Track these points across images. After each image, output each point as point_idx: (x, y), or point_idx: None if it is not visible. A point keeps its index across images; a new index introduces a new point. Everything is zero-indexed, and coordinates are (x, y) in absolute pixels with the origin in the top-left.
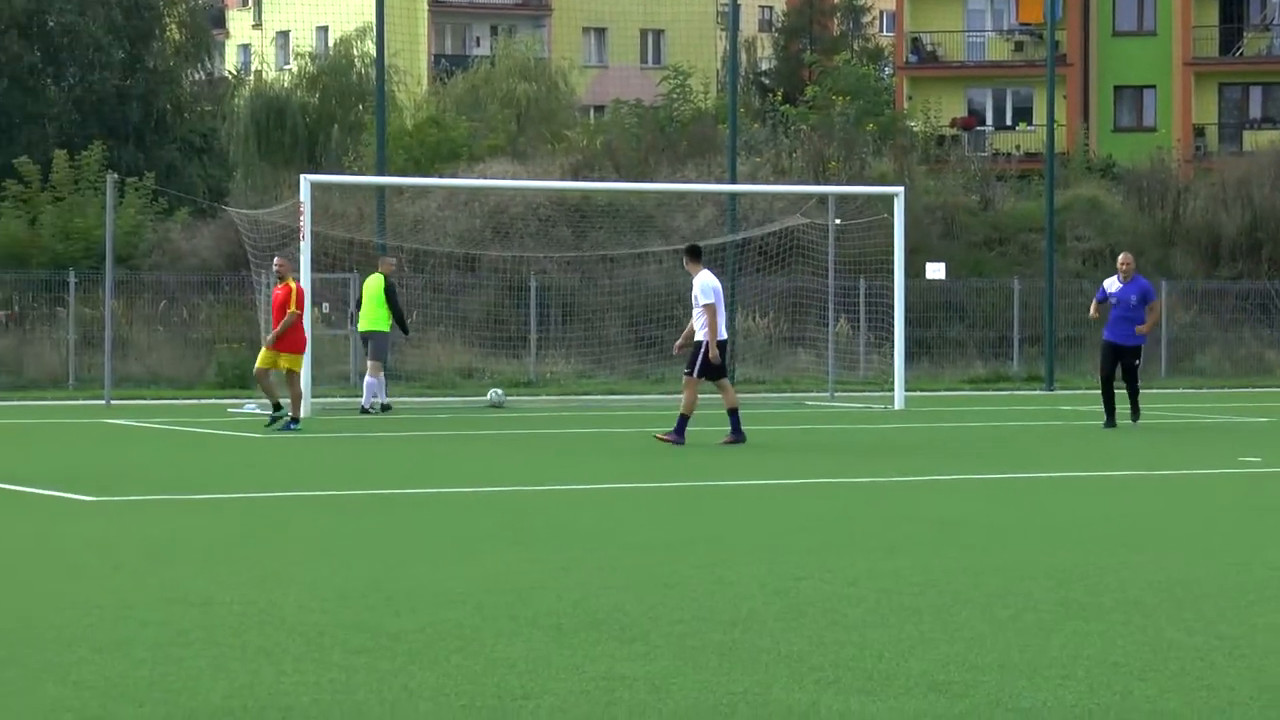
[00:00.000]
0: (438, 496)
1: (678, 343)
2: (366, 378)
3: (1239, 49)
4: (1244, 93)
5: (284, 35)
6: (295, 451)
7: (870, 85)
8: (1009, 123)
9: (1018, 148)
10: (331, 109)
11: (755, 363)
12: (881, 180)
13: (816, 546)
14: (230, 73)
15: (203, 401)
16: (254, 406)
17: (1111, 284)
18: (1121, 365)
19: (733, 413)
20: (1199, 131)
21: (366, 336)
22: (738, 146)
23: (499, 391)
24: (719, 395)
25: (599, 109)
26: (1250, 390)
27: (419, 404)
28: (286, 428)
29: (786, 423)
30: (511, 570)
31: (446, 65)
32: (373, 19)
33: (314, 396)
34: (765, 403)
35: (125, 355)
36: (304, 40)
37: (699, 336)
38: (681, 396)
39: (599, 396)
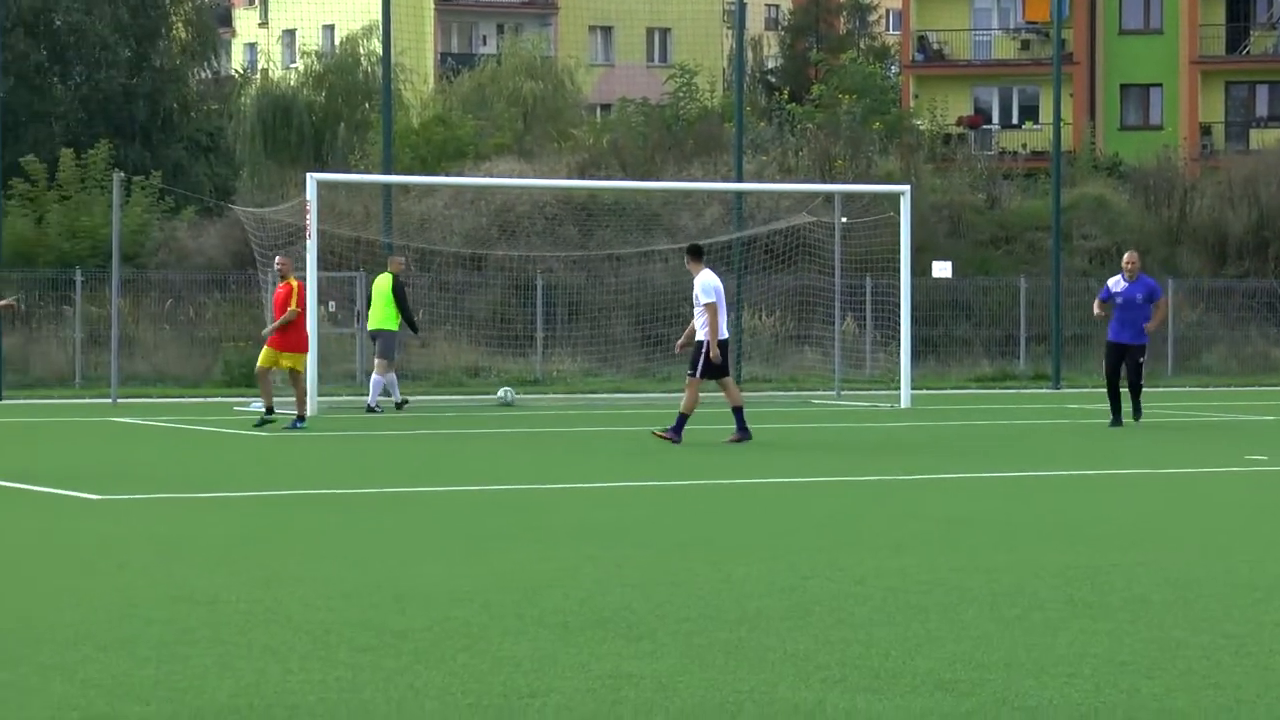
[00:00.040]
0: (444, 495)
1: (680, 341)
2: (373, 376)
3: (1246, 47)
4: (1250, 91)
5: (290, 34)
6: (301, 450)
7: (876, 84)
8: (1015, 121)
9: (1024, 146)
10: (338, 107)
11: (762, 361)
12: (888, 179)
13: (823, 545)
14: (236, 71)
15: (209, 400)
16: (259, 405)
17: (1116, 283)
18: (1126, 363)
19: (737, 411)
20: (1205, 130)
21: (375, 335)
22: (744, 145)
23: (509, 390)
24: (723, 394)
25: (605, 107)
26: (1257, 389)
27: (425, 402)
28: (293, 426)
29: (793, 421)
30: (518, 569)
31: (453, 64)
32: (379, 17)
33: (320, 395)
34: (772, 401)
35: (132, 354)
36: (310, 39)
37: (700, 336)
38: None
39: (605, 395)
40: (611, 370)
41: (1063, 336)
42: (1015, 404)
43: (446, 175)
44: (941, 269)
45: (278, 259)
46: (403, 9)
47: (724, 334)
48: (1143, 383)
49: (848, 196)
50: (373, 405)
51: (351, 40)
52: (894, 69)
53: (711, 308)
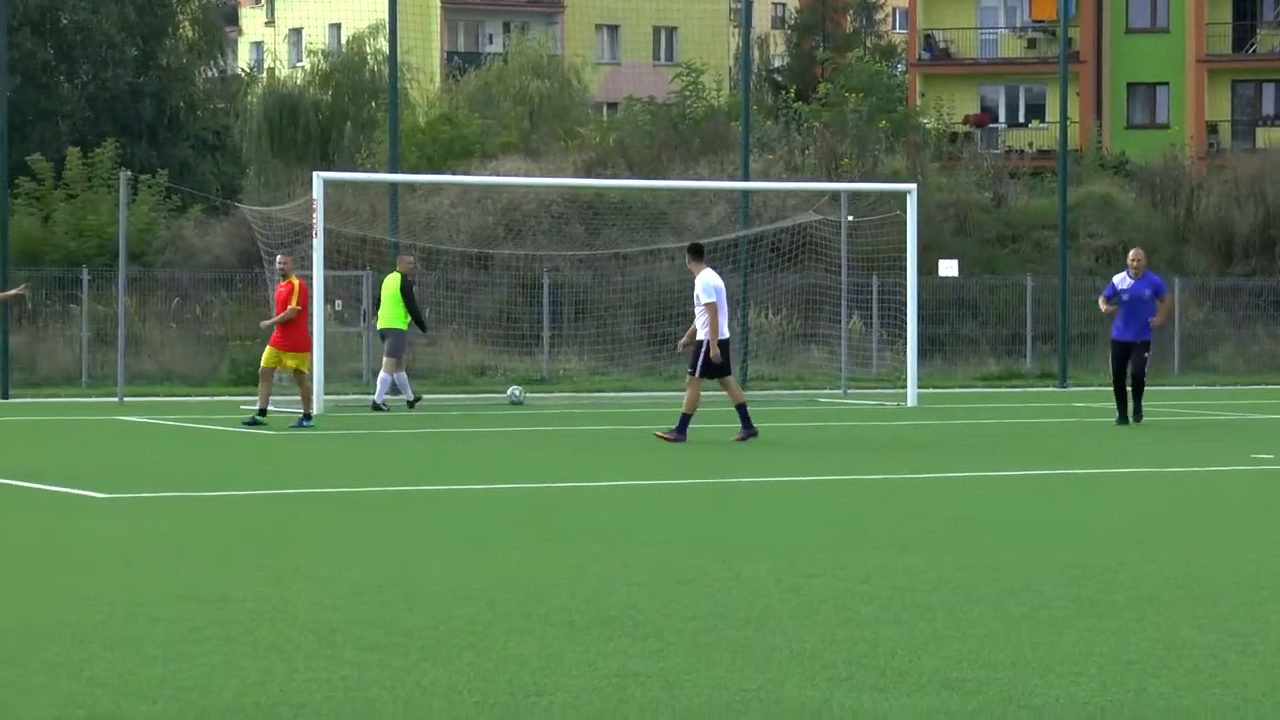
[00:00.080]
0: (450, 494)
1: (682, 341)
2: (381, 374)
3: (1252, 46)
4: (1257, 90)
5: (297, 32)
6: (308, 448)
7: (883, 82)
8: (1022, 120)
9: (1030, 145)
10: (344, 106)
11: (768, 359)
12: (894, 177)
13: (829, 543)
14: (243, 70)
15: (216, 398)
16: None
17: (1122, 280)
18: (1131, 359)
19: (741, 408)
20: (1212, 128)
21: (384, 334)
22: (750, 143)
23: (519, 389)
24: (724, 393)
25: (612, 106)
26: (1263, 387)
27: (432, 401)
28: (299, 424)
29: (799, 420)
30: (524, 567)
31: (459, 62)
32: (385, 16)
33: (327, 393)
34: (778, 400)
35: (138, 352)
36: (317, 37)
37: (701, 335)
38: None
39: (612, 394)
40: (618, 369)
41: (1069, 335)
42: (1021, 403)
43: (453, 174)
44: (948, 268)
45: (279, 258)
46: (409, 8)
47: (725, 334)
48: (1146, 380)
49: (854, 195)
50: (379, 403)
51: (358, 39)
52: (900, 67)
53: (712, 307)
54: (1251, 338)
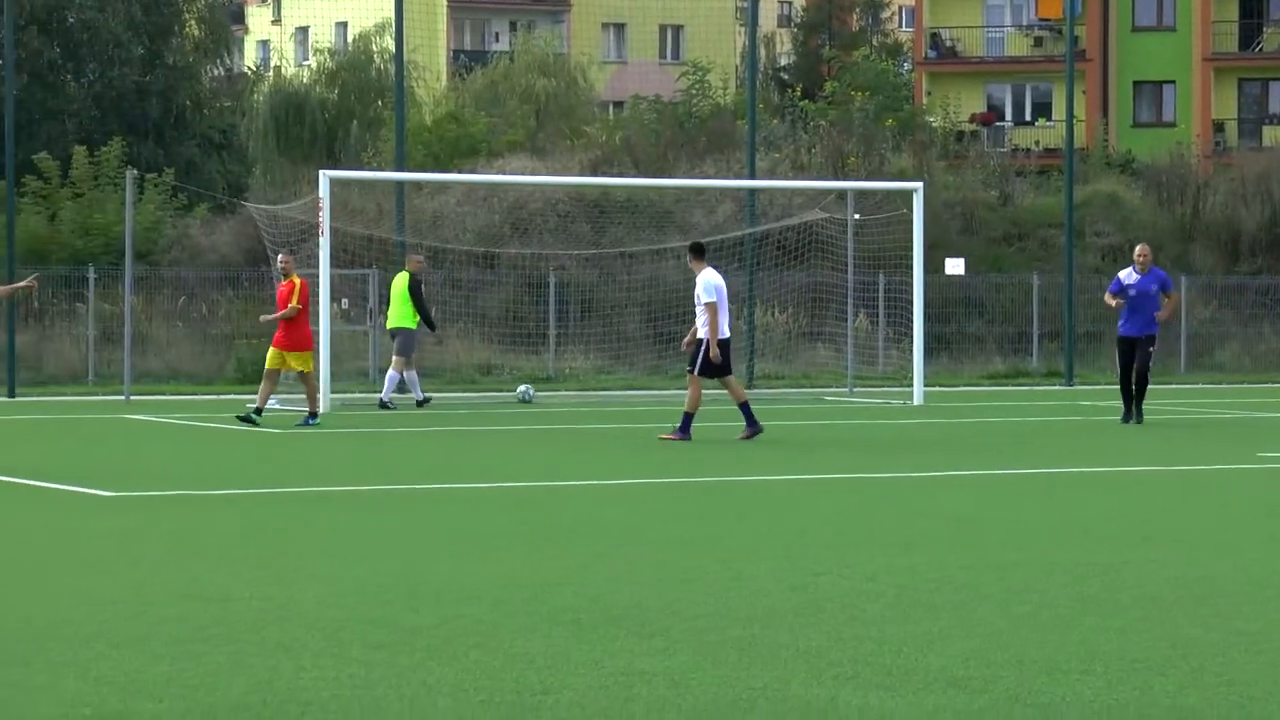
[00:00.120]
0: (456, 492)
1: (685, 340)
2: (389, 372)
3: (1259, 44)
4: (1264, 88)
5: (303, 31)
6: (314, 447)
7: (889, 81)
8: (1028, 118)
9: (1037, 143)
10: (350, 105)
11: (774, 358)
12: (901, 176)
13: (835, 542)
14: (249, 69)
15: (222, 397)
16: (275, 402)
17: (1128, 275)
18: (1137, 353)
19: (743, 406)
20: (1218, 127)
21: (393, 333)
22: (757, 142)
23: (528, 387)
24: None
25: (618, 105)
26: (1270, 386)
27: (438, 399)
28: (305, 423)
29: (805, 418)
30: (530, 566)
31: (465, 61)
32: (392, 14)
33: (333, 392)
34: (784, 398)
35: (144, 351)
36: (323, 36)
37: (701, 335)
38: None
39: (618, 392)
40: (624, 368)
41: (1075, 333)
42: (1028, 401)
43: (459, 172)
44: (954, 266)
45: (280, 257)
46: (415, 6)
47: (725, 333)
48: (1150, 379)
49: (860, 193)
50: (385, 401)
51: (364, 37)
52: (907, 66)
53: (711, 307)
54: (1258, 336)
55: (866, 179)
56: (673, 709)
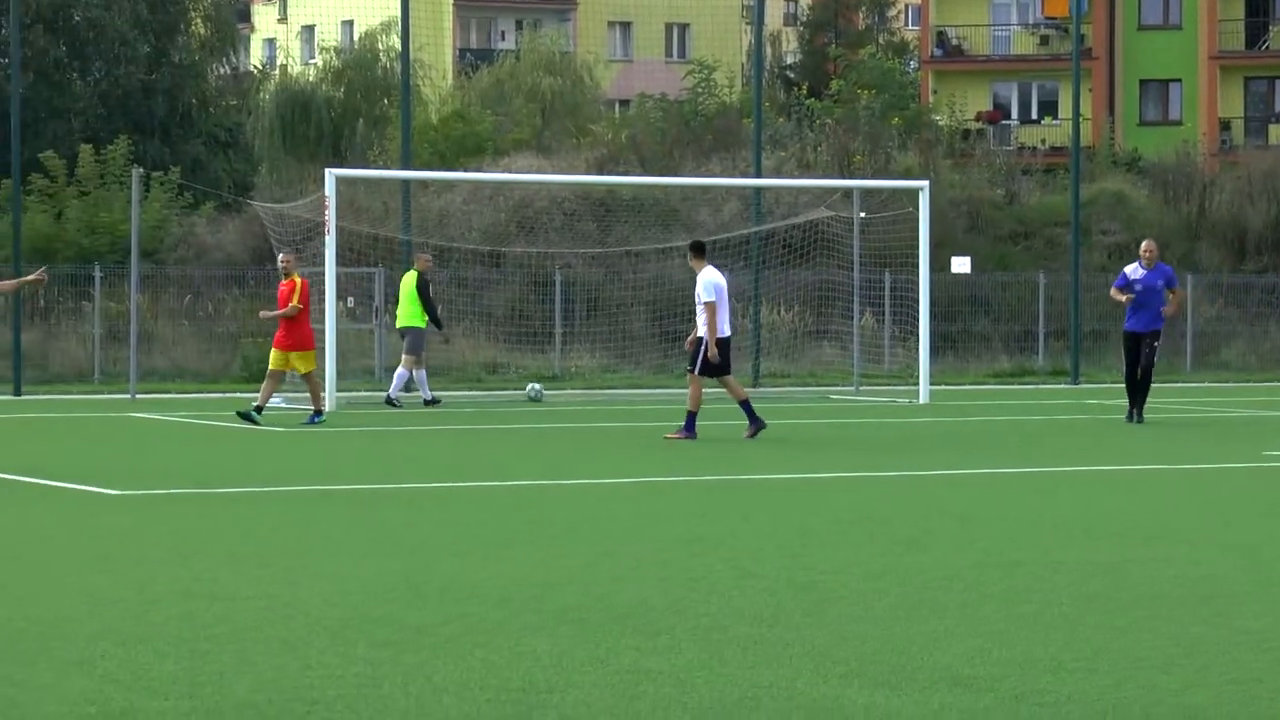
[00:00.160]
0: (462, 490)
1: (689, 339)
2: (398, 370)
3: (1265, 42)
4: (1270, 86)
5: (309, 29)
6: (320, 445)
7: (895, 79)
8: (1034, 116)
9: (1043, 141)
10: (356, 103)
11: (780, 356)
12: (907, 174)
13: (840, 541)
14: (255, 67)
15: (228, 395)
16: (281, 401)
17: (1134, 270)
18: (1142, 349)
19: (744, 404)
20: (1225, 125)
21: (403, 332)
22: (763, 140)
23: (538, 386)
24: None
25: (624, 103)
26: (1276, 384)
27: (445, 397)
28: (311, 421)
29: (811, 416)
30: (535, 564)
31: (471, 59)
32: (398, 13)
33: (339, 390)
34: (790, 396)
35: (150, 349)
36: (329, 34)
37: (701, 334)
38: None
39: (623, 391)
40: (630, 366)
41: (1081, 332)
42: (1034, 400)
43: (465, 171)
44: (960, 264)
45: (280, 256)
46: (421, 4)
47: (725, 332)
48: (1153, 377)
49: (866, 192)
50: (392, 397)
51: (370, 36)
52: (913, 64)
53: (711, 306)
54: (1264, 334)
55: (872, 177)
56: (678, 707)
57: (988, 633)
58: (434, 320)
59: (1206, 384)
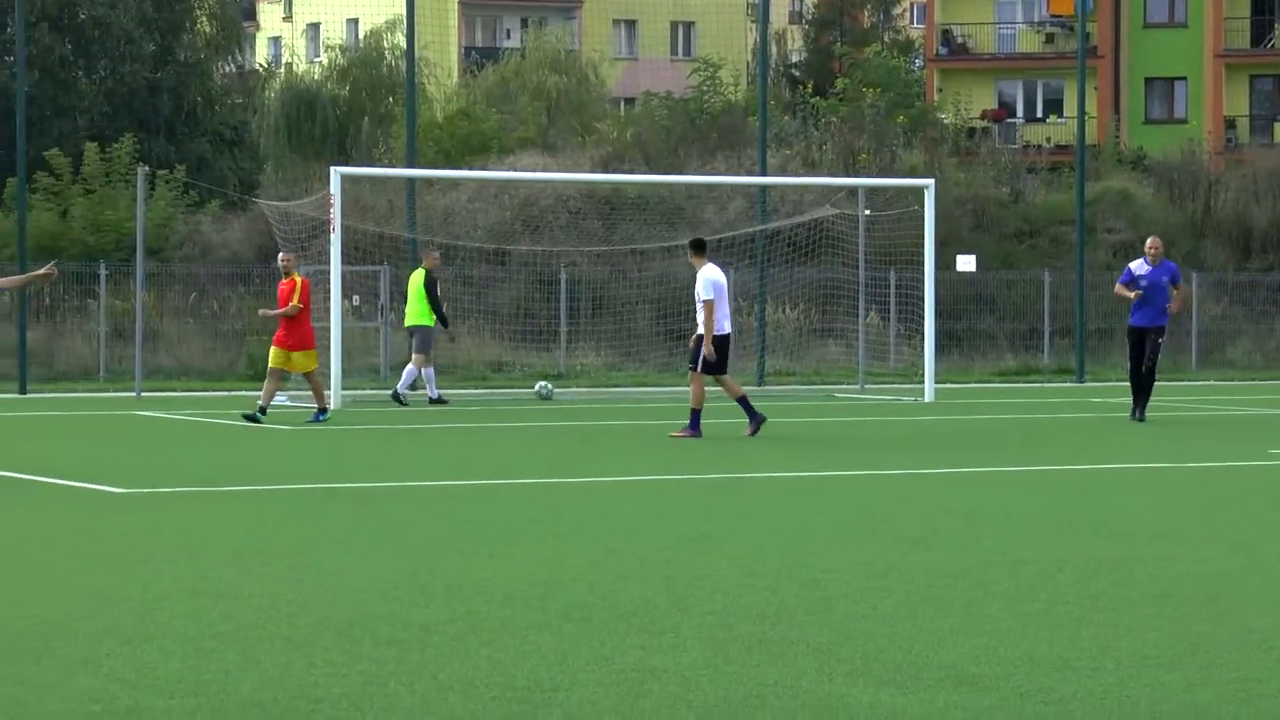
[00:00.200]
0: (467, 488)
1: (693, 337)
2: (408, 366)
3: (1270, 41)
4: (1275, 84)
5: (314, 28)
6: (325, 443)
7: (901, 77)
8: (1040, 115)
9: (1048, 140)
10: (362, 101)
11: (785, 354)
12: (912, 172)
13: (845, 539)
14: (261, 65)
15: (233, 394)
16: (286, 399)
17: (1139, 267)
18: (1146, 344)
19: (741, 400)
20: (1230, 123)
21: (412, 331)
22: (768, 139)
23: (547, 384)
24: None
25: (629, 101)
26: None
27: (450, 395)
28: (315, 419)
29: (816, 415)
30: (540, 562)
31: (477, 57)
32: (403, 11)
33: (345, 388)
34: (795, 394)
35: (156, 347)
36: (334, 33)
37: (700, 332)
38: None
39: (629, 389)
40: (635, 364)
41: (1086, 330)
42: (1039, 398)
43: (470, 169)
44: (965, 263)
45: (280, 255)
46: (427, 3)
47: (726, 329)
48: (1157, 374)
49: (871, 190)
50: (399, 393)
51: (375, 34)
52: (918, 62)
53: (709, 305)
54: (1269, 333)
55: (878, 175)
56: (683, 705)
57: (993, 631)
58: (440, 318)
59: (1211, 382)
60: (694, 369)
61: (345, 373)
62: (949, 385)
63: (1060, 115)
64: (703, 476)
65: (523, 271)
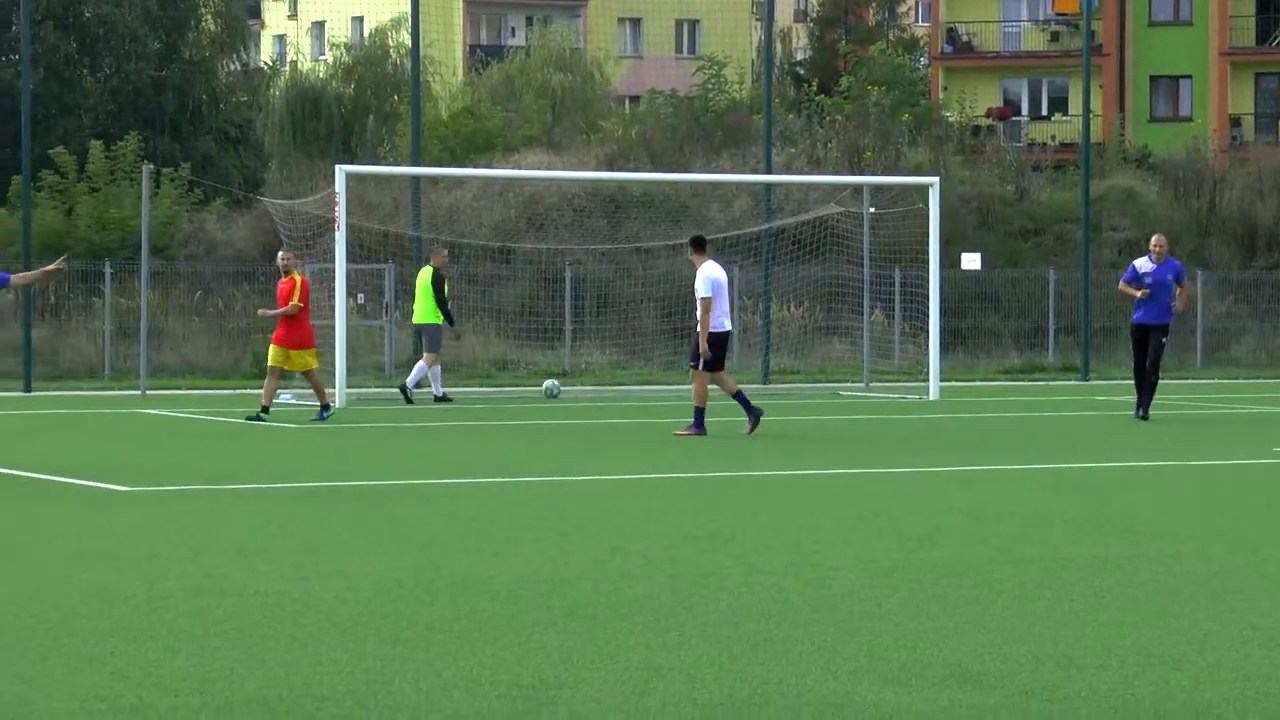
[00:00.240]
0: (472, 487)
1: (694, 336)
2: (419, 362)
3: (1276, 39)
4: None
5: (319, 26)
6: (329, 441)
7: (905, 75)
8: (1044, 113)
9: (1053, 138)
10: (366, 99)
11: (790, 352)
12: (917, 170)
13: (850, 537)
14: (266, 63)
15: (237, 392)
16: (290, 397)
17: (1143, 264)
18: (1150, 343)
19: (738, 396)
20: (1235, 121)
21: (419, 330)
22: (773, 137)
23: (555, 382)
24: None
25: (634, 99)
26: None
27: (455, 393)
28: (319, 417)
29: (821, 413)
30: (545, 560)
31: (482, 55)
32: (408, 9)
33: (349, 387)
34: (800, 392)
35: (160, 346)
36: (339, 31)
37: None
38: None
39: (634, 387)
40: (640, 362)
41: (1091, 328)
42: (1044, 396)
43: (475, 167)
44: (970, 261)
45: (280, 253)
46: (432, 1)
47: (726, 326)
48: (1161, 374)
49: (876, 188)
50: (408, 386)
51: (380, 32)
52: (923, 61)
53: (705, 303)
54: (1274, 331)
55: (882, 173)
56: (688, 703)
57: (998, 629)
58: (445, 316)
59: (1216, 380)
60: (694, 367)
61: (350, 371)
62: (954, 383)
63: (1065, 113)
64: (707, 475)
65: (527, 269)
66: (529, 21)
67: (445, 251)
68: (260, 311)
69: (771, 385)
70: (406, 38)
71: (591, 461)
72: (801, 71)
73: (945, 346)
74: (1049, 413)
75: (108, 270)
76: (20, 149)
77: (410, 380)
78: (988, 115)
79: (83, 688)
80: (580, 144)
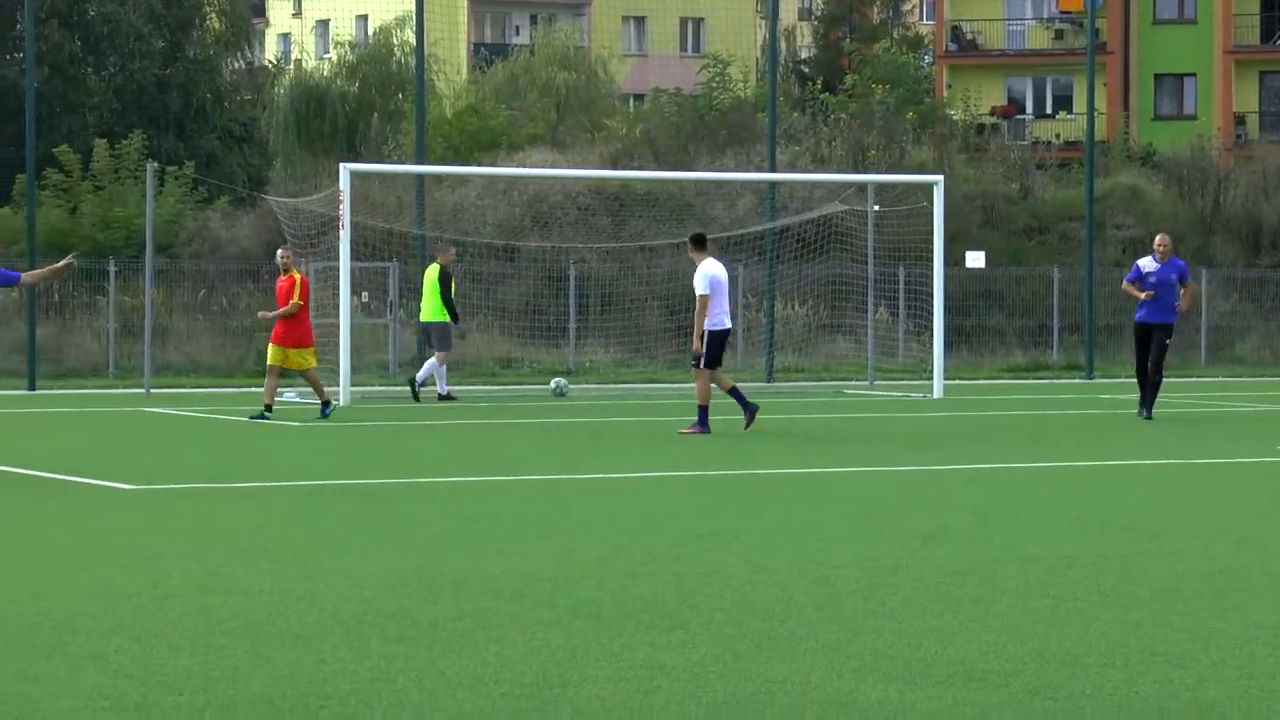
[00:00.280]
0: (476, 485)
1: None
2: (430, 360)
3: None
4: None
5: (324, 24)
6: (333, 440)
7: (910, 74)
8: (1049, 111)
9: (1058, 136)
10: (371, 98)
11: (794, 351)
12: (921, 169)
13: (854, 535)
14: (270, 62)
15: (242, 390)
16: (293, 395)
17: (1147, 264)
18: (1153, 342)
19: (733, 393)
20: (1239, 120)
21: (428, 328)
22: (777, 135)
23: (563, 380)
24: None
25: (638, 98)
26: None
27: (458, 392)
28: (322, 415)
29: (825, 411)
30: (549, 559)
31: (486, 54)
32: (412, 7)
33: (353, 385)
34: (804, 391)
35: (165, 344)
36: (344, 29)
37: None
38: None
39: (638, 385)
40: (644, 361)
41: (1095, 326)
42: (1048, 394)
43: (479, 165)
44: (974, 259)
45: (279, 252)
46: None
47: (725, 324)
48: (1164, 373)
49: (881, 186)
50: (418, 380)
51: (385, 30)
52: (927, 59)
53: (702, 300)
54: (1278, 329)
55: (887, 172)
56: (692, 702)
57: (1002, 627)
58: (451, 314)
59: (1220, 378)
60: (696, 365)
61: (354, 369)
62: (958, 381)
63: (1070, 111)
64: (711, 473)
65: (532, 268)
66: (533, 20)
67: (452, 249)
68: (260, 314)
69: (776, 383)
70: (411, 36)
71: (595, 460)
72: (806, 70)
73: (949, 345)
74: (1053, 411)
75: (112, 269)
76: (25, 147)
77: (420, 375)
78: (992, 113)
79: (87, 686)
80: (584, 142)
